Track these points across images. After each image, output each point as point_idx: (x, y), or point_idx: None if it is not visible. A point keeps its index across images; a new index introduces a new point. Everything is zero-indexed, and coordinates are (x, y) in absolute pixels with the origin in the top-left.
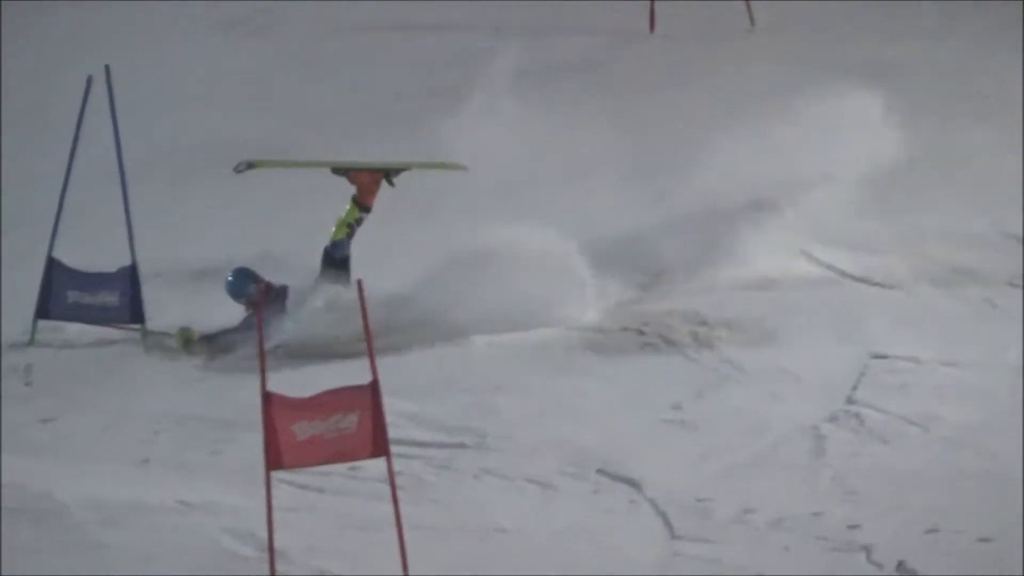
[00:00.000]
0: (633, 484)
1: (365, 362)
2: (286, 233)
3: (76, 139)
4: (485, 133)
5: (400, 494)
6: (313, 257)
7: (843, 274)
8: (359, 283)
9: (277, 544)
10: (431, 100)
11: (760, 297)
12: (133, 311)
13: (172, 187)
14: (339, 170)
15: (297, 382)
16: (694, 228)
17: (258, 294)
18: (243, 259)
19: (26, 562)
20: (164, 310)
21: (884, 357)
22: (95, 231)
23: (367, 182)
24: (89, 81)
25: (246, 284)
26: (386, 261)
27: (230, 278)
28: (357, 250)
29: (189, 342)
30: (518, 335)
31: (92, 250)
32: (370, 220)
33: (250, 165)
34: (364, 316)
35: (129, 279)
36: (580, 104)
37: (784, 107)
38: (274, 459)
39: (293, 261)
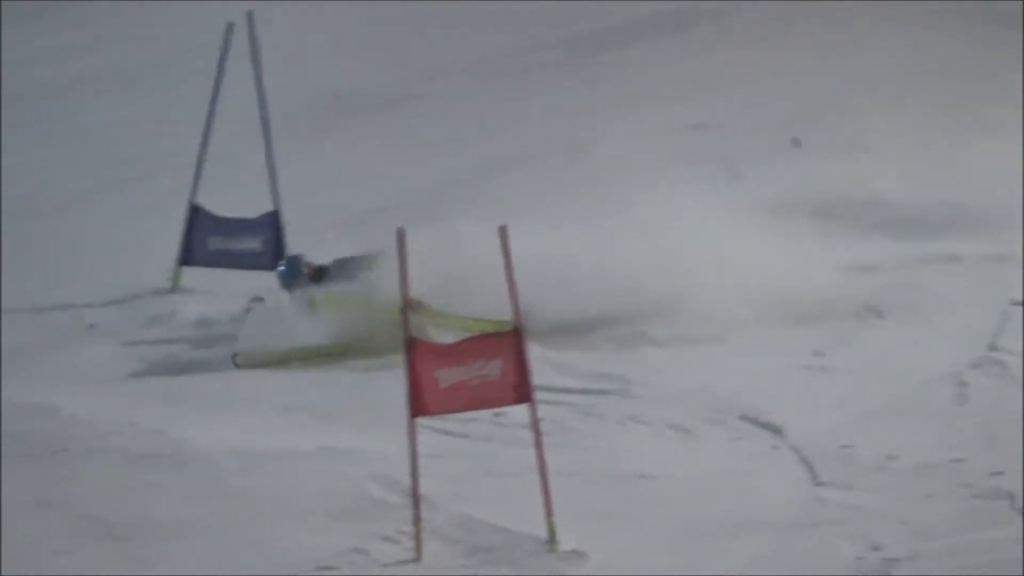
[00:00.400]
0: (775, 430)
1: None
2: (424, 178)
3: (217, 86)
4: None
5: (543, 440)
6: (448, 203)
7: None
8: (503, 229)
9: (421, 490)
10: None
11: (901, 244)
12: (275, 257)
13: (314, 134)
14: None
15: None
16: None
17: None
18: (383, 205)
19: (168, 507)
20: (308, 256)
21: None
22: (237, 178)
23: None
24: (230, 28)
25: (296, 275)
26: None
27: (282, 267)
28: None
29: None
30: None
31: (234, 197)
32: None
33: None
34: (507, 263)
35: (271, 225)
36: None
37: None
38: (418, 406)
39: (429, 209)
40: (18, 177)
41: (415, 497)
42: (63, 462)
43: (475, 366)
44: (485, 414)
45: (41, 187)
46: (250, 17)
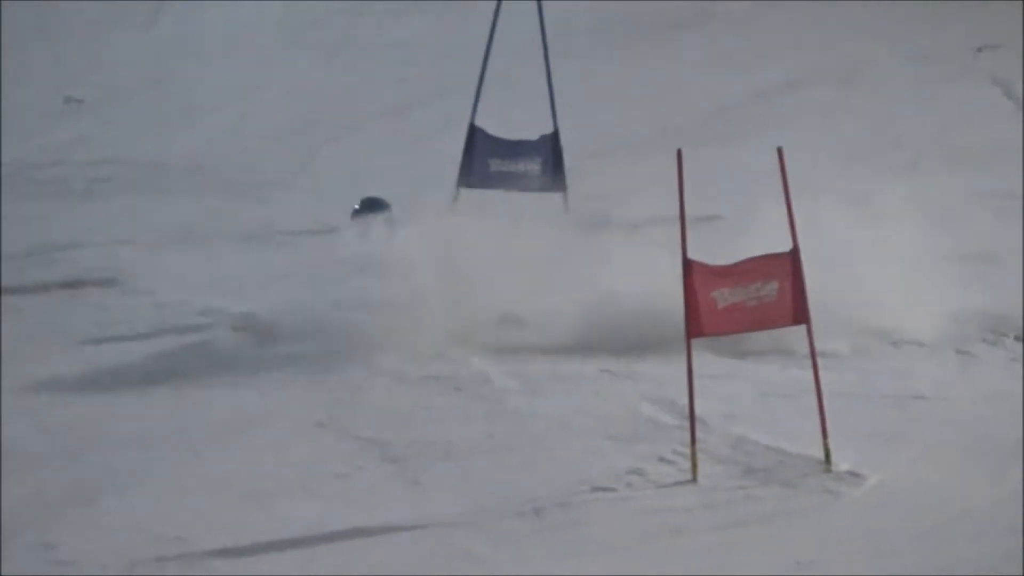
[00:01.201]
0: None
1: None
2: (702, 100)
3: (498, 7)
4: None
5: (819, 361)
6: (725, 125)
7: None
8: (780, 151)
9: (697, 411)
10: None
11: None
12: (555, 178)
13: (593, 55)
14: None
15: None
16: None
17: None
18: (661, 127)
19: (446, 429)
20: (584, 179)
21: None
22: (517, 99)
23: None
24: None
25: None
26: None
27: (356, 206)
28: None
29: None
30: None
31: (514, 119)
32: None
33: None
34: (785, 185)
35: (551, 147)
36: None
37: None
38: (695, 327)
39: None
40: (305, 100)
41: (691, 418)
42: (340, 384)
43: (753, 287)
44: (761, 335)
45: (325, 110)
46: None
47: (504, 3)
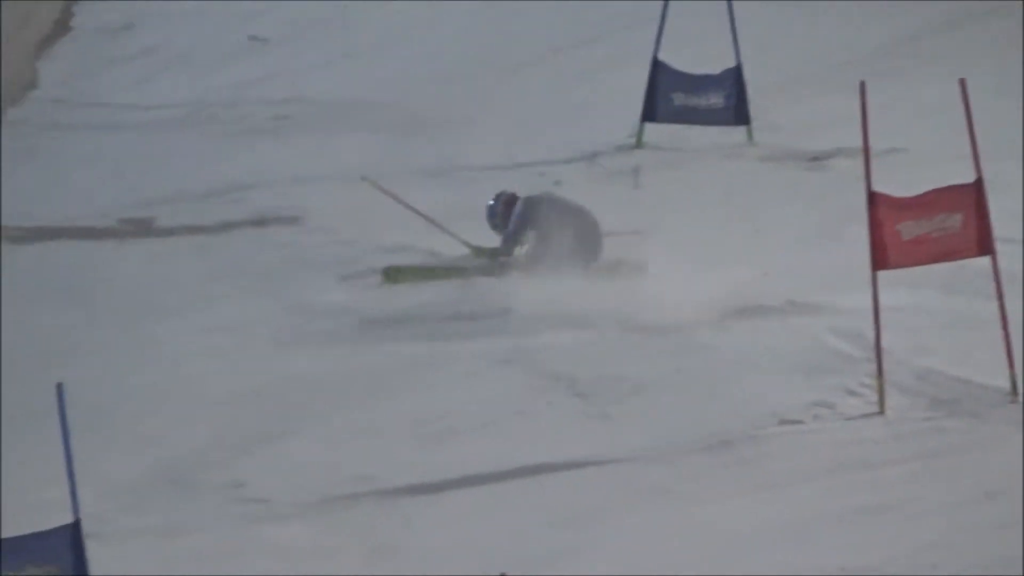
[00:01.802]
0: None
1: None
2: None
3: None
4: None
5: (1004, 291)
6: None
7: None
8: (962, 82)
9: (884, 343)
10: None
11: None
12: (739, 113)
13: None
14: None
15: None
16: None
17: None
18: (843, 60)
19: (634, 364)
20: (767, 113)
21: None
22: (700, 33)
23: None
24: None
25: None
26: None
27: (491, 201)
28: None
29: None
30: None
31: (697, 53)
32: None
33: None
34: (968, 118)
35: (734, 80)
36: None
37: None
38: (880, 259)
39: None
40: (485, 36)
41: (878, 351)
42: (524, 322)
43: (937, 219)
44: (946, 266)
45: (504, 45)
46: None
47: None
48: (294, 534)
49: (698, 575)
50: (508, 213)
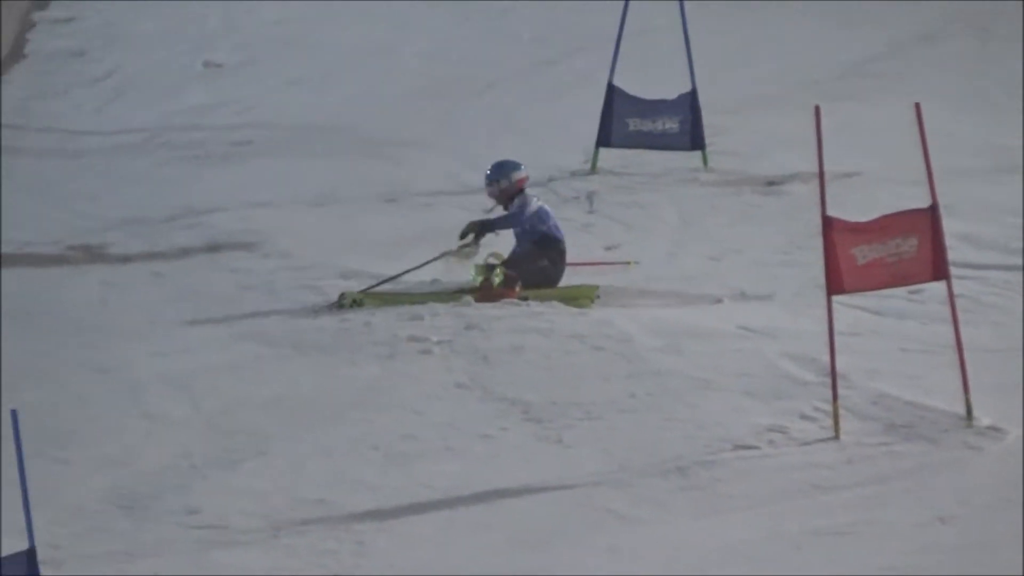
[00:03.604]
0: None
1: None
2: (838, 56)
3: None
4: None
5: (959, 316)
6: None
7: None
8: (917, 106)
9: (838, 367)
10: None
11: None
12: (694, 137)
13: (725, 14)
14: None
15: None
16: None
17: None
18: (798, 81)
19: (587, 387)
20: (722, 137)
21: None
22: (653, 57)
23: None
24: None
25: (500, 173)
26: None
27: (488, 170)
28: None
29: (355, 302)
30: None
31: (650, 76)
32: None
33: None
34: (923, 140)
35: (689, 105)
36: None
37: None
38: (835, 283)
39: (845, 86)
40: (440, 60)
41: (833, 375)
42: (478, 348)
43: (892, 243)
44: (900, 291)
45: (461, 70)
46: None
47: None
48: (250, 560)
49: None
50: (512, 194)
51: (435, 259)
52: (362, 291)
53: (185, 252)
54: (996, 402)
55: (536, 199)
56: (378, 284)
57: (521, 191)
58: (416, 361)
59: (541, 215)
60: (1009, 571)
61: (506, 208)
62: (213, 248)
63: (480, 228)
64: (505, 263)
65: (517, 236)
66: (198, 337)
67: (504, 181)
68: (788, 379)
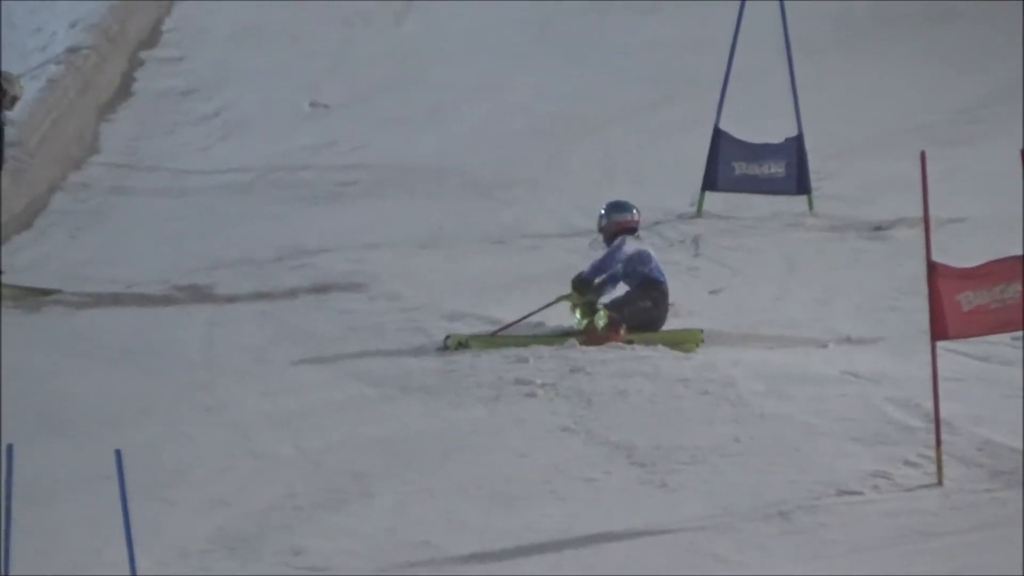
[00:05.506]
0: None
1: None
2: (949, 99)
3: (742, 7)
4: None
5: None
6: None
7: None
8: None
9: (942, 413)
10: None
11: None
12: (800, 182)
13: (834, 54)
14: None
15: None
16: None
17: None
18: (906, 126)
19: (692, 432)
20: (828, 181)
21: None
22: (760, 101)
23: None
24: None
25: (607, 211)
26: None
27: (602, 210)
28: None
29: (460, 344)
30: None
31: (757, 120)
32: None
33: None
34: None
35: (795, 149)
36: None
37: None
38: (940, 329)
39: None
40: (549, 100)
41: (936, 421)
42: (583, 390)
43: (996, 289)
44: (1005, 337)
45: (570, 110)
46: None
47: (748, 2)
48: None
49: None
50: (613, 233)
51: (552, 303)
52: (482, 335)
53: (292, 292)
54: None
55: (636, 241)
56: (499, 330)
57: (624, 232)
58: (521, 403)
59: (643, 258)
60: None
61: (608, 245)
62: (320, 289)
63: (579, 284)
64: (608, 306)
65: (619, 279)
66: (304, 377)
67: (604, 220)
68: (892, 424)
